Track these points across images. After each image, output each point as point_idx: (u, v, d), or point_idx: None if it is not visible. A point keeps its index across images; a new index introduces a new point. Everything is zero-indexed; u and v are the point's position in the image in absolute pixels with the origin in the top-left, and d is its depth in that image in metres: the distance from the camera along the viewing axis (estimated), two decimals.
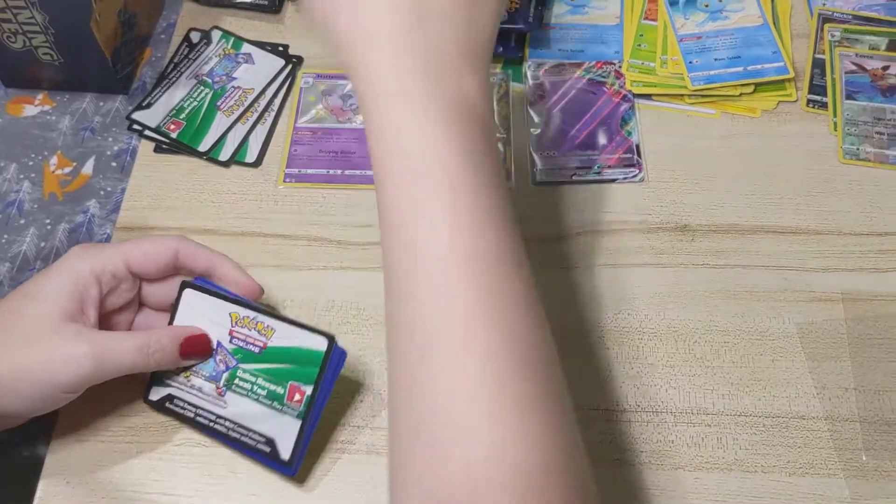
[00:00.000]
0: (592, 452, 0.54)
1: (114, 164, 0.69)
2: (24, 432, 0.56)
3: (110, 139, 0.70)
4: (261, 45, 0.74)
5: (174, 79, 0.72)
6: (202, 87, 0.71)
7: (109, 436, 0.56)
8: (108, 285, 0.52)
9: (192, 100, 0.71)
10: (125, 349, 0.49)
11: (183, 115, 0.70)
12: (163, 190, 0.67)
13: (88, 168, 0.69)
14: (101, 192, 0.67)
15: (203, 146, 0.68)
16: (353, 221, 0.65)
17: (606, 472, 0.54)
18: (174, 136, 0.68)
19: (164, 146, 0.69)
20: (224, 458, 0.55)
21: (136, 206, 0.66)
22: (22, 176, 0.69)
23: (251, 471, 0.54)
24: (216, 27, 0.76)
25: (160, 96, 0.71)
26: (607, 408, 0.56)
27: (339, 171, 0.67)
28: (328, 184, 0.66)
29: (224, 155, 0.68)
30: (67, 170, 0.69)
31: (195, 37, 0.75)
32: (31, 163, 0.69)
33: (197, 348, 0.52)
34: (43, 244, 0.65)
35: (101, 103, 0.73)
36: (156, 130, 0.69)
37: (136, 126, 0.70)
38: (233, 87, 0.71)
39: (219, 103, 0.70)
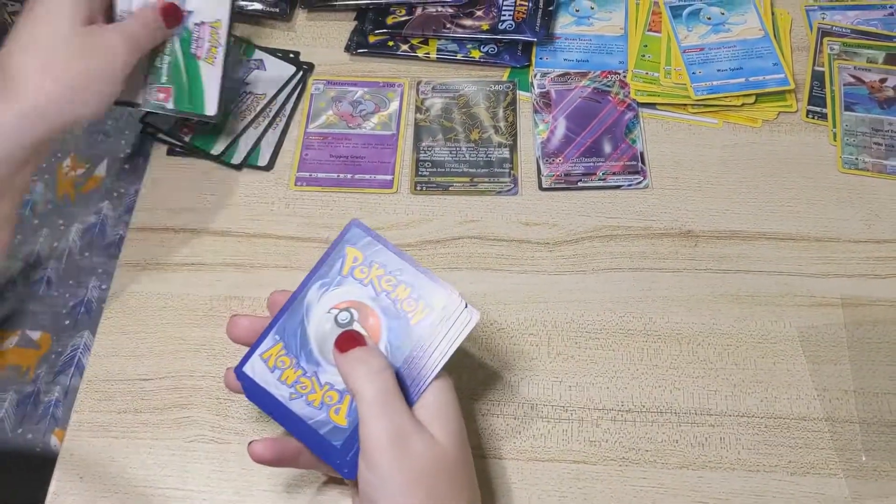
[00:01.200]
0: (598, 451, 0.55)
1: (127, 166, 0.70)
2: (35, 424, 0.57)
3: (123, 142, 0.72)
4: (272, 51, 0.76)
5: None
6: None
7: (122, 431, 0.56)
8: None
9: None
10: (139, 28, 0.59)
11: (164, 79, 0.64)
12: (175, 192, 0.68)
13: (102, 170, 0.70)
14: (114, 194, 0.69)
15: (216, 149, 0.69)
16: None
17: (612, 471, 0.55)
18: (187, 139, 0.69)
19: (177, 149, 0.70)
20: (237, 455, 0.56)
21: (149, 208, 0.67)
22: (35, 177, 0.70)
23: (263, 468, 0.55)
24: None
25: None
26: (613, 408, 0.57)
27: (349, 176, 0.68)
28: (338, 187, 0.68)
29: (237, 158, 0.69)
30: (81, 171, 0.70)
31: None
32: (44, 164, 0.70)
33: (170, 13, 0.61)
34: (56, 244, 0.66)
35: (114, 106, 0.74)
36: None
37: (149, 130, 0.70)
38: (244, 92, 0.72)
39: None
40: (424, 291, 0.48)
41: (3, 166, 0.51)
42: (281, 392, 0.48)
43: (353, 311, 0.48)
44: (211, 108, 0.65)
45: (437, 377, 0.47)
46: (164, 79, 0.64)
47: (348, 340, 0.47)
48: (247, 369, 0.49)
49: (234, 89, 0.69)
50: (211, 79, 0.65)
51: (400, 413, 0.45)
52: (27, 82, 0.52)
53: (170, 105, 0.64)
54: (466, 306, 0.48)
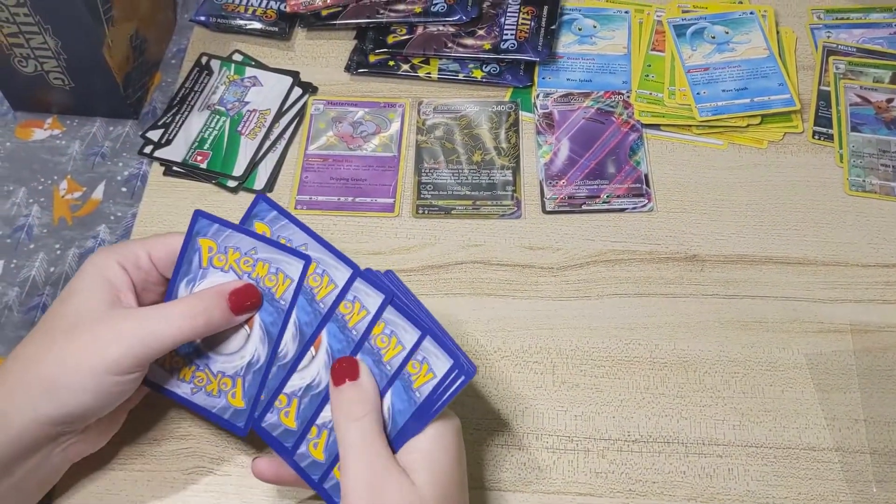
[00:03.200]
0: (604, 483, 0.54)
1: (124, 189, 0.69)
2: None
3: (120, 164, 0.71)
4: (262, 66, 0.75)
5: (186, 113, 0.72)
6: (217, 116, 0.71)
7: (121, 463, 0.55)
8: (136, 275, 0.50)
9: (211, 129, 0.71)
10: (171, 316, 0.47)
11: (207, 146, 0.70)
12: (173, 215, 0.67)
13: (99, 193, 0.69)
14: (112, 217, 0.67)
15: (237, 171, 0.69)
16: (363, 249, 0.65)
17: (619, 503, 0.54)
18: (204, 166, 0.69)
19: (185, 173, 0.69)
20: (236, 487, 0.54)
21: (147, 232, 0.66)
22: (31, 200, 0.69)
23: (263, 499, 0.54)
24: (211, 56, 0.76)
25: (177, 131, 0.71)
26: (619, 438, 0.56)
27: (349, 199, 0.67)
28: (339, 211, 0.67)
29: (258, 183, 0.69)
30: (77, 194, 0.69)
31: (207, 62, 0.75)
32: (40, 187, 0.69)
33: (246, 299, 0.49)
34: (52, 269, 0.65)
35: (111, 128, 0.73)
36: (183, 165, 0.69)
37: (163, 164, 0.70)
38: (248, 110, 0.72)
39: (239, 128, 0.71)
40: (282, 265, 0.50)
41: None
42: (183, 389, 0.52)
43: None
44: (239, 170, 0.68)
45: (436, 425, 0.46)
46: (206, 146, 0.70)
47: (342, 373, 0.46)
48: (149, 376, 0.52)
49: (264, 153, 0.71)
50: (247, 149, 0.70)
51: (380, 458, 0.44)
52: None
53: (203, 165, 0.69)
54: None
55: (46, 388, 0.46)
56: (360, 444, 0.44)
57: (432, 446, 0.45)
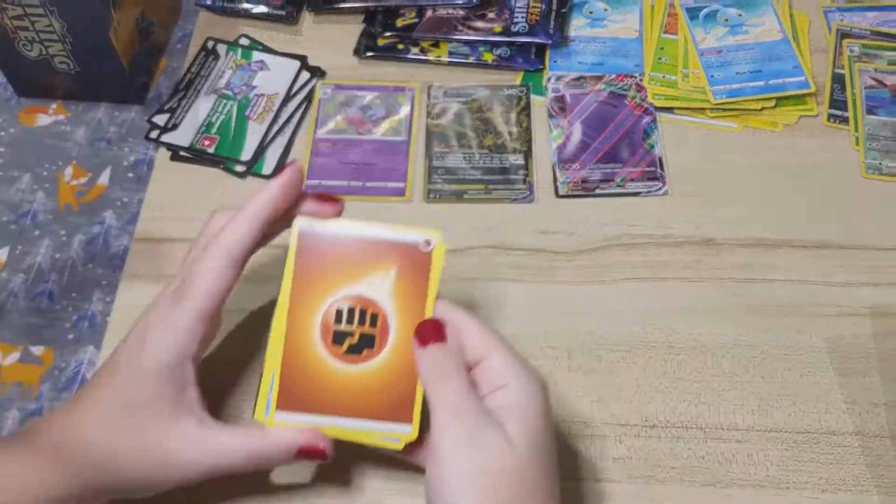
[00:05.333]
0: (623, 469, 0.54)
1: (130, 174, 0.68)
2: None
3: (126, 149, 0.70)
4: (270, 50, 0.74)
5: (192, 97, 0.70)
6: (225, 101, 0.70)
7: None
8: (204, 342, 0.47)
9: (218, 114, 0.69)
10: (238, 455, 0.45)
11: (214, 130, 0.69)
12: (180, 200, 0.66)
13: (104, 178, 0.68)
14: (118, 203, 0.67)
15: (245, 155, 0.68)
16: None
17: (637, 490, 0.53)
18: (211, 151, 0.67)
19: (196, 158, 0.68)
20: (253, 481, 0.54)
21: (154, 217, 0.65)
22: (36, 186, 0.68)
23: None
24: (218, 40, 0.75)
25: (183, 116, 0.69)
26: (637, 423, 0.56)
27: (360, 183, 0.66)
28: (349, 195, 0.66)
29: (267, 168, 0.68)
30: (83, 180, 0.68)
31: (213, 46, 0.74)
32: (45, 173, 0.68)
33: (311, 454, 0.46)
34: (58, 255, 0.64)
35: (117, 113, 0.72)
36: (191, 149, 0.68)
37: (170, 149, 0.68)
38: (255, 95, 0.70)
39: (247, 112, 0.70)
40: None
41: None
42: None
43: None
44: (247, 154, 0.67)
45: (522, 380, 0.45)
46: (213, 130, 0.69)
47: (427, 334, 0.45)
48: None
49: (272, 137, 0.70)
50: (255, 134, 0.69)
51: (478, 414, 0.43)
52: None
53: (211, 150, 0.67)
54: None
55: (115, 475, 0.44)
56: (456, 401, 0.43)
57: (520, 402, 0.44)
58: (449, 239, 0.63)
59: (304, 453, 0.46)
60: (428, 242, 0.47)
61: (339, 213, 0.48)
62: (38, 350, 0.60)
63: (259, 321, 0.59)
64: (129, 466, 0.44)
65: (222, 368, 0.57)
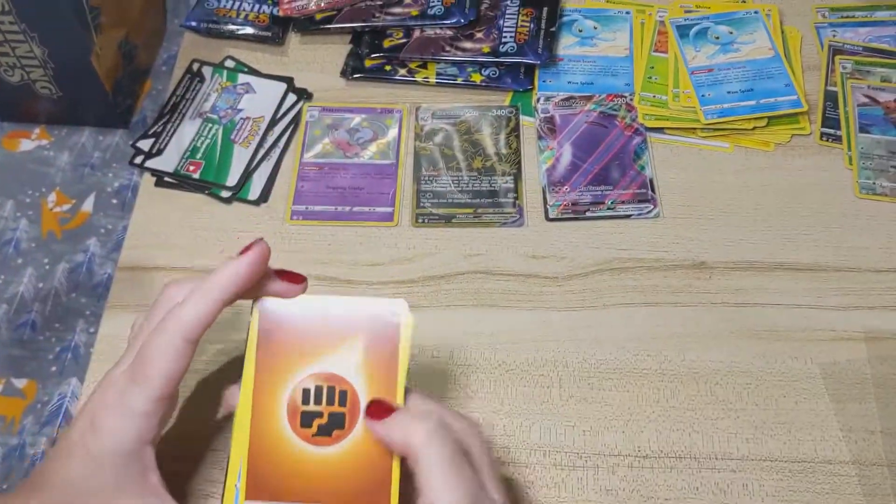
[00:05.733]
0: (615, 500, 0.53)
1: (115, 200, 0.67)
2: (21, 481, 0.54)
3: (111, 175, 0.69)
4: (256, 72, 0.73)
5: (177, 121, 0.70)
6: (210, 125, 0.69)
7: None
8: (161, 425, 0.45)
9: (203, 138, 0.68)
10: None
11: (199, 155, 0.68)
12: (165, 227, 0.65)
13: (88, 205, 0.67)
14: (102, 230, 0.66)
15: (231, 180, 0.67)
16: (362, 260, 0.63)
17: None
18: (196, 176, 0.66)
19: (179, 184, 0.67)
20: None
21: (139, 245, 0.64)
22: (19, 213, 0.67)
23: None
24: (203, 62, 0.74)
25: (168, 141, 0.68)
26: (629, 453, 0.55)
27: (347, 208, 0.65)
28: (336, 221, 0.65)
29: (253, 193, 0.67)
30: (66, 207, 0.67)
31: (199, 69, 0.73)
32: (28, 199, 0.67)
33: None
34: (41, 285, 0.63)
35: (101, 137, 0.71)
36: (175, 175, 0.67)
37: (154, 174, 0.67)
38: (241, 118, 0.70)
39: (233, 136, 0.69)
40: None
41: None
42: None
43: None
44: (232, 180, 0.66)
45: (463, 425, 0.43)
46: (199, 155, 0.68)
47: (382, 407, 0.42)
48: None
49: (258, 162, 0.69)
50: (241, 159, 0.68)
51: (472, 478, 0.40)
52: None
53: (196, 175, 0.66)
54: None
55: None
56: (450, 460, 0.40)
57: (482, 451, 0.43)
58: (437, 264, 0.63)
59: None
60: (394, 313, 0.44)
61: (303, 292, 0.45)
62: (20, 383, 0.59)
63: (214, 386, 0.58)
64: None
65: (183, 444, 0.55)
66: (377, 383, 0.44)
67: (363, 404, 0.43)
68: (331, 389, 0.44)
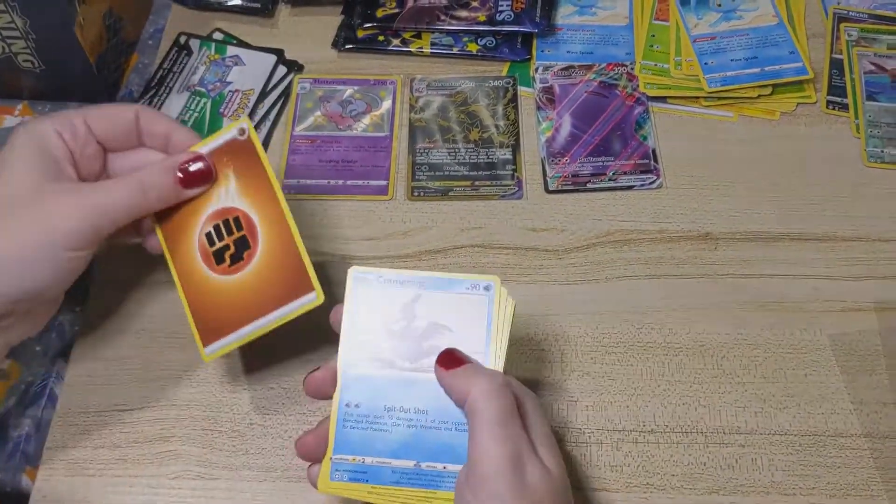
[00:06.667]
0: (620, 477, 0.51)
1: None
2: (4, 462, 0.52)
3: None
4: (245, 44, 0.71)
5: (164, 95, 0.67)
6: (198, 98, 0.67)
7: (99, 468, 0.52)
8: (73, 144, 0.47)
9: (191, 112, 0.66)
10: (118, 190, 0.46)
11: None
12: None
13: None
14: None
15: None
16: (356, 234, 0.61)
17: (637, 498, 0.50)
18: None
19: None
20: (226, 492, 0.51)
21: None
22: None
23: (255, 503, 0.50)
24: (190, 35, 0.71)
25: None
26: (634, 429, 0.53)
27: (340, 182, 0.63)
28: (329, 195, 0.63)
29: None
30: None
31: (186, 41, 0.71)
32: None
33: (196, 175, 0.49)
34: None
35: None
36: None
37: None
38: (230, 91, 0.67)
39: (221, 110, 0.67)
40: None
41: None
42: None
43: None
44: None
45: (530, 397, 0.44)
46: None
47: (452, 358, 0.43)
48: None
49: None
50: None
51: (520, 436, 0.40)
52: None
53: None
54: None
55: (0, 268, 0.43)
56: (501, 419, 0.40)
57: (542, 423, 0.43)
58: (434, 238, 0.61)
59: (189, 177, 0.48)
60: (242, 131, 0.49)
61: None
62: (3, 363, 0.57)
63: None
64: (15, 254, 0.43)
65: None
66: (258, 197, 0.49)
67: (255, 219, 0.49)
68: (226, 223, 0.49)
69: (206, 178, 0.49)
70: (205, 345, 0.49)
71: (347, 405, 0.44)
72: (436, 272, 0.45)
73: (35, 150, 0.46)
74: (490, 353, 0.44)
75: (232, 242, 0.49)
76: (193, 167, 0.49)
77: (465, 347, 0.44)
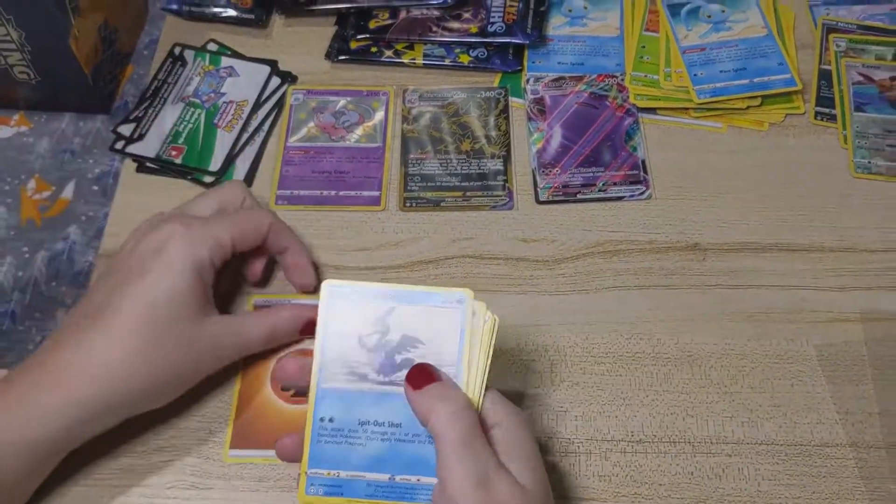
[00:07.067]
0: (609, 486, 0.52)
1: (95, 187, 0.66)
2: None
3: (91, 161, 0.67)
4: (239, 55, 0.71)
5: (159, 106, 0.68)
6: (193, 109, 0.68)
7: (94, 478, 0.52)
8: (219, 267, 0.51)
9: (185, 122, 0.67)
10: (259, 328, 0.51)
11: (182, 140, 0.66)
12: (148, 214, 0.62)
13: (69, 192, 0.65)
14: (83, 218, 0.64)
15: (213, 165, 0.65)
16: (348, 245, 0.62)
17: None
18: (178, 161, 0.65)
19: (166, 171, 0.65)
20: (219, 500, 0.51)
21: (121, 232, 0.62)
22: None
23: None
24: (185, 46, 0.72)
25: (149, 125, 0.66)
26: (622, 438, 0.54)
27: (332, 192, 0.64)
28: (322, 206, 0.63)
29: (236, 178, 0.65)
30: (46, 194, 0.65)
31: (180, 52, 0.72)
32: (7, 187, 0.66)
33: (313, 326, 0.49)
34: (21, 273, 0.61)
35: (81, 123, 0.69)
36: (157, 160, 0.65)
37: (135, 160, 0.66)
38: (224, 102, 0.68)
39: (216, 121, 0.67)
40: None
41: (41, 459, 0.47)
42: None
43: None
44: (215, 165, 0.65)
45: (513, 417, 0.44)
46: (181, 140, 0.66)
47: (421, 375, 0.44)
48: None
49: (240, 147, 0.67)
50: (224, 143, 0.66)
51: (485, 455, 0.41)
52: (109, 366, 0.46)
53: (178, 161, 0.65)
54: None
55: (141, 395, 0.48)
56: (464, 440, 0.41)
57: (516, 438, 0.43)
58: (426, 249, 0.61)
59: (309, 329, 0.52)
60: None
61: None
62: (1, 373, 0.58)
63: None
64: (164, 362, 0.47)
65: None
66: None
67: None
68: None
69: (311, 331, 0.50)
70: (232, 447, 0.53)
71: (322, 419, 0.45)
72: (410, 285, 0.46)
73: (193, 283, 0.48)
74: (463, 367, 0.44)
75: None
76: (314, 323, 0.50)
77: (438, 361, 0.45)
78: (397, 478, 0.44)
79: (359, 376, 0.45)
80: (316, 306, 0.46)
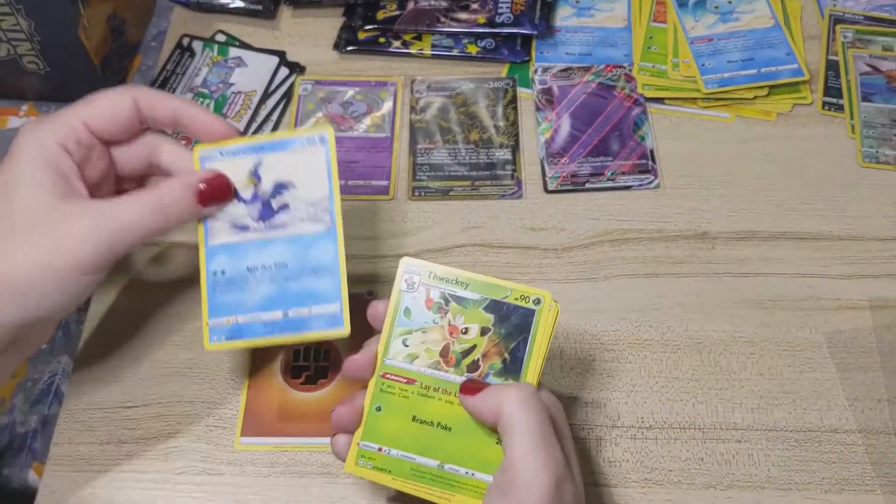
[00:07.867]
0: (618, 472, 0.52)
1: None
2: (12, 458, 0.53)
3: None
4: (247, 46, 0.71)
5: None
6: (201, 99, 0.68)
7: (105, 464, 0.52)
8: (78, 154, 0.45)
9: None
10: (134, 210, 0.44)
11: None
12: None
13: None
14: None
15: None
16: (358, 234, 0.62)
17: (635, 493, 0.51)
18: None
19: None
20: (230, 486, 0.51)
21: None
22: None
23: (258, 499, 0.51)
24: (193, 37, 0.72)
25: None
26: (632, 425, 0.54)
27: (342, 182, 0.64)
28: None
29: None
30: None
31: (189, 43, 0.72)
32: None
33: (216, 192, 0.47)
34: None
35: None
36: None
37: None
38: (233, 92, 0.68)
39: (225, 111, 0.67)
40: None
41: None
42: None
43: None
44: None
45: (553, 402, 0.45)
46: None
47: (473, 385, 0.44)
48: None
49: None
50: None
51: (561, 458, 0.41)
52: None
53: None
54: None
55: (13, 292, 0.42)
56: (540, 430, 0.40)
57: (559, 428, 0.43)
58: (435, 237, 0.62)
59: (209, 193, 0.46)
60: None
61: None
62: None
63: None
64: (26, 270, 0.42)
65: None
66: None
67: (343, 359, 0.47)
68: (317, 349, 0.56)
69: (225, 193, 0.47)
70: (243, 435, 0.53)
71: (214, 274, 0.47)
72: (270, 134, 0.48)
73: (44, 167, 0.43)
74: (335, 208, 0.47)
75: (314, 367, 0.56)
76: (214, 185, 0.47)
77: (310, 197, 0.47)
78: (290, 312, 0.46)
79: (241, 228, 0.47)
80: (202, 170, 0.47)
